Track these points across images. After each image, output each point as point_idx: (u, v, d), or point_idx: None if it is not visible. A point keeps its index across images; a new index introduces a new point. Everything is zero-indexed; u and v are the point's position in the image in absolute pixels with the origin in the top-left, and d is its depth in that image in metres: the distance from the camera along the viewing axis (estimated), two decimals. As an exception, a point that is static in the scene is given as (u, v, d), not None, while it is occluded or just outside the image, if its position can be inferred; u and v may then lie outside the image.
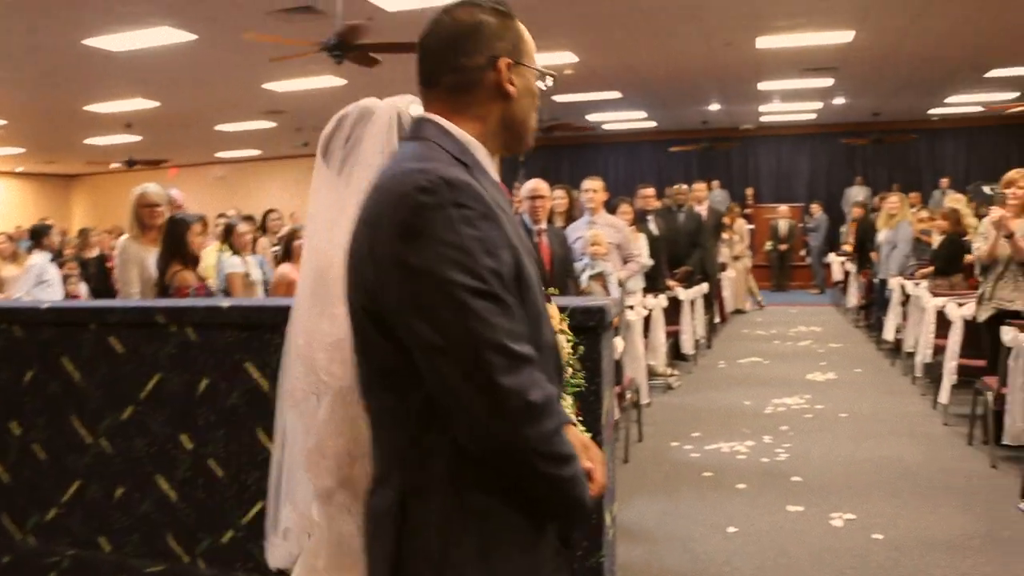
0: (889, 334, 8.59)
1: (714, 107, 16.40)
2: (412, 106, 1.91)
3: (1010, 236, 5.17)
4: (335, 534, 1.85)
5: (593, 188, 6.34)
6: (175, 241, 4.43)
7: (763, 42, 10.57)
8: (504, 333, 1.26)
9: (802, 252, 16.95)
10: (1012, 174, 5.47)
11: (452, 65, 1.44)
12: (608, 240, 6.15)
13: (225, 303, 3.11)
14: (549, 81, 1.54)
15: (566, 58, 11.17)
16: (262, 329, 2.96)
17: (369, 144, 1.89)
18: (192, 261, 4.46)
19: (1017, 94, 14.19)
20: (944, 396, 6.04)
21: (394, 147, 1.85)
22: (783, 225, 16.20)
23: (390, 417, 1.38)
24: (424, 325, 1.25)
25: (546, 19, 9.29)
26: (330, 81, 11.91)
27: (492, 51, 1.44)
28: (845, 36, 10.28)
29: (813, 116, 17.55)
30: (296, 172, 21.66)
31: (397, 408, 1.35)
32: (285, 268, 4.66)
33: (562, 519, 1.40)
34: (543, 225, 5.17)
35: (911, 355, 7.49)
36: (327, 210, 1.91)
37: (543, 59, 9.68)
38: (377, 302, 1.31)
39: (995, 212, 5.29)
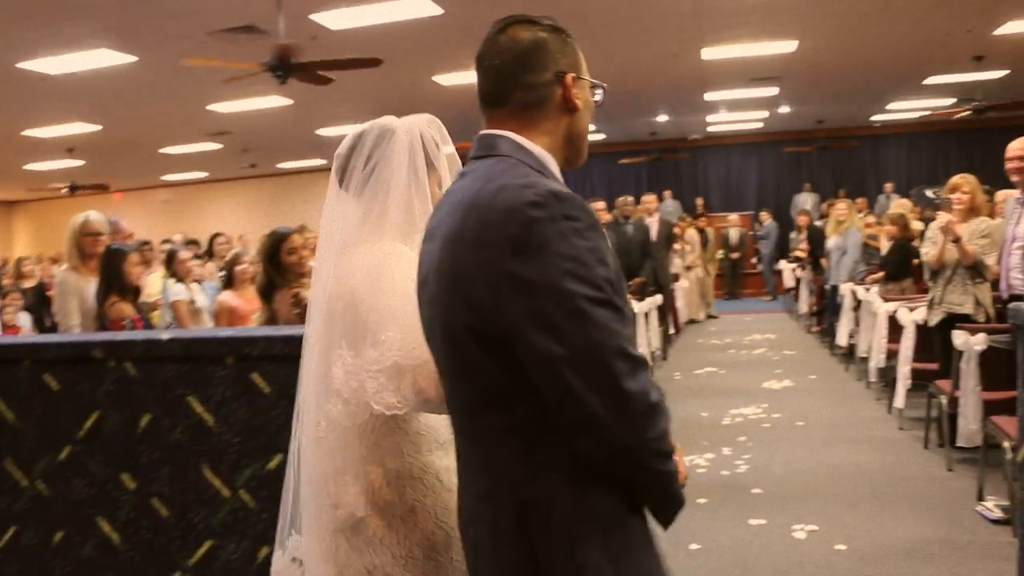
0: (842, 340, 8.67)
1: (662, 118, 16.52)
2: (428, 123, 1.89)
3: (957, 240, 5.22)
4: (363, 567, 1.78)
5: None
6: (112, 271, 4.28)
7: (708, 53, 10.66)
8: (623, 339, 1.30)
9: (753, 260, 17.12)
10: (956, 180, 5.53)
11: (521, 83, 1.47)
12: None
13: (165, 335, 2.99)
14: (600, 93, 1.57)
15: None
16: (204, 361, 2.85)
17: (394, 165, 1.82)
18: (130, 292, 4.31)
19: (955, 100, 14.50)
20: (899, 400, 6.08)
21: (418, 168, 1.83)
22: (734, 233, 16.35)
23: (497, 435, 1.38)
24: (546, 338, 1.27)
25: (484, 32, 9.25)
26: (276, 101, 11.78)
27: (557, 66, 1.48)
28: (788, 46, 10.40)
29: (760, 125, 17.77)
30: (244, 194, 21.43)
31: (505, 426, 1.37)
32: (226, 296, 4.53)
33: (664, 512, 1.42)
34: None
35: (864, 360, 7.55)
36: (347, 234, 1.85)
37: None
38: (489, 320, 1.32)
39: (942, 217, 5.33)
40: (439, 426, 1.83)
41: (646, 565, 1.40)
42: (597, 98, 1.56)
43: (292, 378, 2.77)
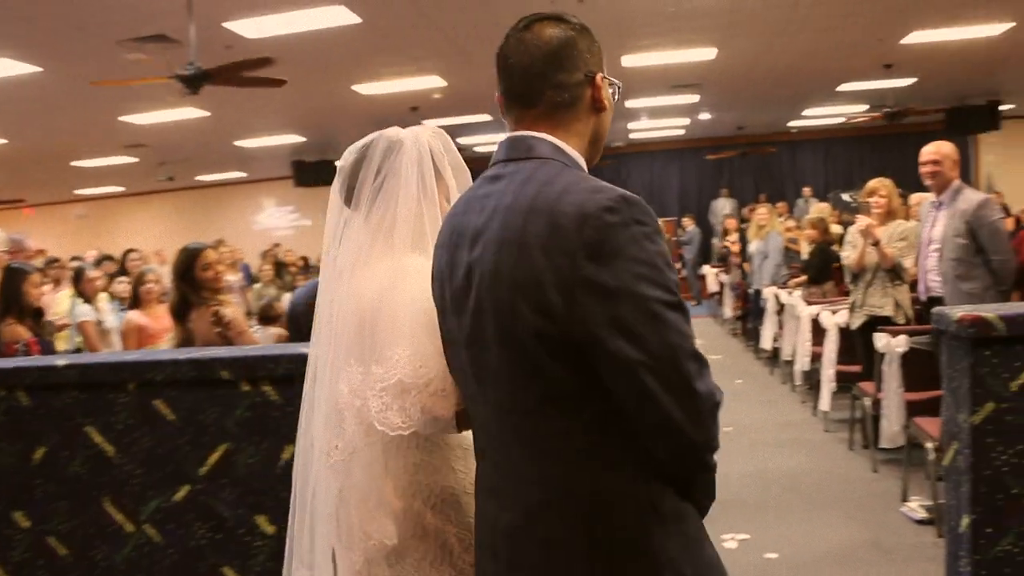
0: (766, 343, 8.75)
1: (585, 126, 16.53)
2: (433, 134, 1.85)
3: (876, 244, 5.29)
4: None
5: None
6: (10, 292, 4.05)
7: (628, 60, 10.69)
8: (692, 340, 1.32)
9: (677, 265, 17.29)
10: (874, 183, 5.60)
11: (553, 82, 1.44)
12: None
13: (60, 361, 2.80)
14: (616, 91, 1.55)
15: (434, 82, 11.06)
16: (104, 388, 2.68)
17: (403, 177, 1.77)
18: (29, 314, 4.08)
19: (867, 106, 14.87)
20: (824, 403, 6.13)
21: (427, 179, 1.78)
22: (658, 240, 16.45)
23: (558, 439, 1.36)
24: (623, 342, 1.27)
25: (413, 44, 9.14)
26: (191, 113, 11.44)
27: (587, 66, 1.46)
28: (708, 54, 10.50)
29: (681, 132, 17.97)
30: (162, 208, 20.86)
31: (567, 429, 1.35)
32: (133, 315, 4.32)
33: (705, 504, 1.46)
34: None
35: (789, 363, 7.63)
36: (355, 252, 1.77)
37: (411, 84, 9.41)
38: (562, 325, 1.30)
39: (861, 221, 5.39)
40: None
41: (710, 552, 1.43)
42: (615, 96, 1.54)
43: (199, 404, 2.63)
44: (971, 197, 4.64)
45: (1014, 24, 9.83)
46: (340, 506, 1.74)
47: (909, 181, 18.64)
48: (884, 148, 18.56)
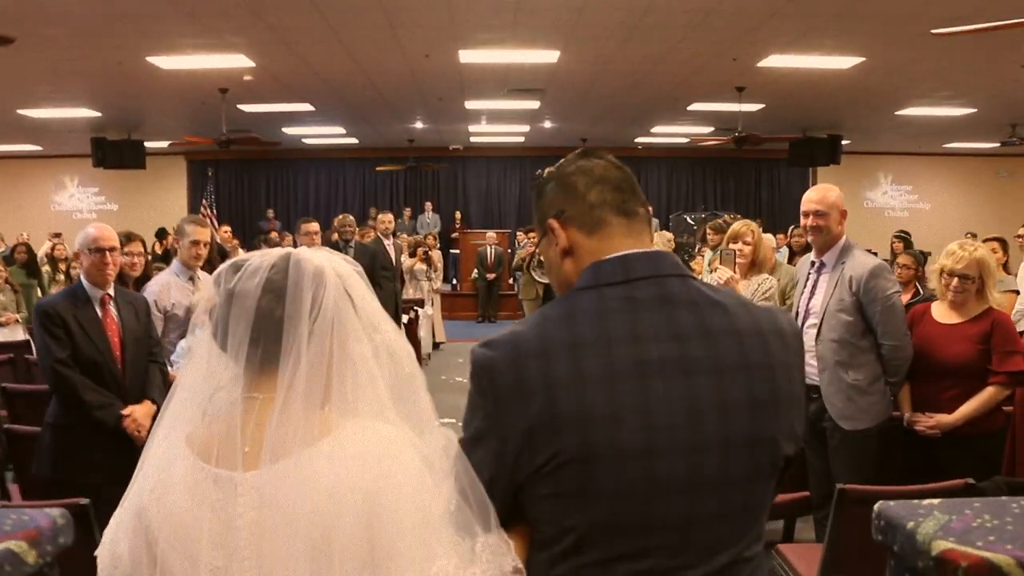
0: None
1: (419, 125, 15.30)
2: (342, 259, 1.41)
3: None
4: None
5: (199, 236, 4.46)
6: None
7: (466, 56, 9.55)
8: None
9: (511, 280, 16.24)
10: (739, 227, 4.57)
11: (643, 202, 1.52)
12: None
13: None
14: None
15: (240, 62, 9.52)
16: None
17: (340, 323, 1.33)
18: None
19: (713, 128, 14.39)
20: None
21: (380, 323, 1.40)
22: (491, 252, 15.35)
23: (760, 536, 1.45)
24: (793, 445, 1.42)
25: (211, 15, 7.65)
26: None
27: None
28: (550, 56, 9.51)
29: (521, 139, 17.05)
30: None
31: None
32: None
33: None
34: (110, 289, 3.56)
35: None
36: (276, 432, 1.26)
37: (216, 61, 7.78)
38: (797, 442, 1.37)
39: (723, 273, 4.30)
40: None
41: None
42: None
43: None
44: (862, 261, 3.56)
45: (864, 59, 9.60)
46: None
47: (751, 207, 18.49)
48: (728, 172, 18.40)
